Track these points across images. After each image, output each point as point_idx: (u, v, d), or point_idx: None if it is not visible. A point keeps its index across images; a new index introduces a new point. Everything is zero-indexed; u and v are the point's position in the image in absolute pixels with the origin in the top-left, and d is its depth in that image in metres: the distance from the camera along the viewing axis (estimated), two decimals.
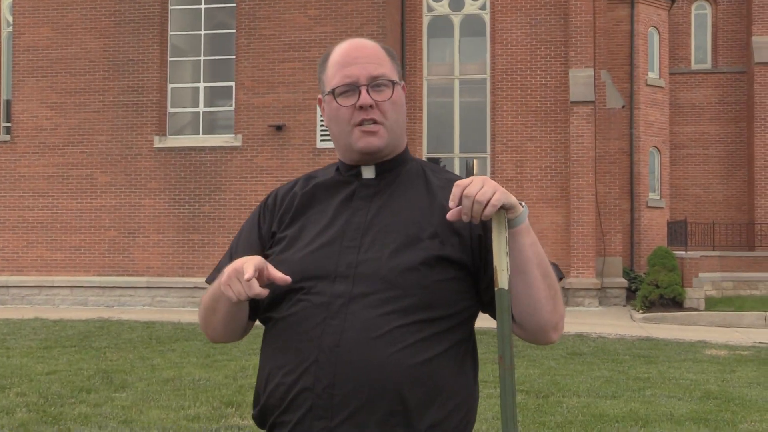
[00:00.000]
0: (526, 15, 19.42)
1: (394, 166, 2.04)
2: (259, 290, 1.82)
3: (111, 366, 9.76)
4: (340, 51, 2.02)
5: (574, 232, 18.60)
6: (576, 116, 18.70)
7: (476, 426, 6.86)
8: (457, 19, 20.03)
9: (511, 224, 1.87)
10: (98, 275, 18.35)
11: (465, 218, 1.80)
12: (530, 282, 1.90)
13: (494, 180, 1.92)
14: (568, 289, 18.53)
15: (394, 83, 2.00)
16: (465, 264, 1.94)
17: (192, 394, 8.04)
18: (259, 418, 1.98)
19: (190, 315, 15.48)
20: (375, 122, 1.97)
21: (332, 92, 1.99)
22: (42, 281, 18.51)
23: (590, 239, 18.58)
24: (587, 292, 18.44)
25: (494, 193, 1.79)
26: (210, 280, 2.10)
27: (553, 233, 18.95)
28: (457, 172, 19.95)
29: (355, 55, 1.99)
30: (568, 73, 18.99)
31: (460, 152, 19.92)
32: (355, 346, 1.82)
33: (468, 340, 1.99)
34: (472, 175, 20.07)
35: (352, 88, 1.97)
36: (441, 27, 20.21)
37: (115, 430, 6.72)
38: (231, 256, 2.08)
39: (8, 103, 20.43)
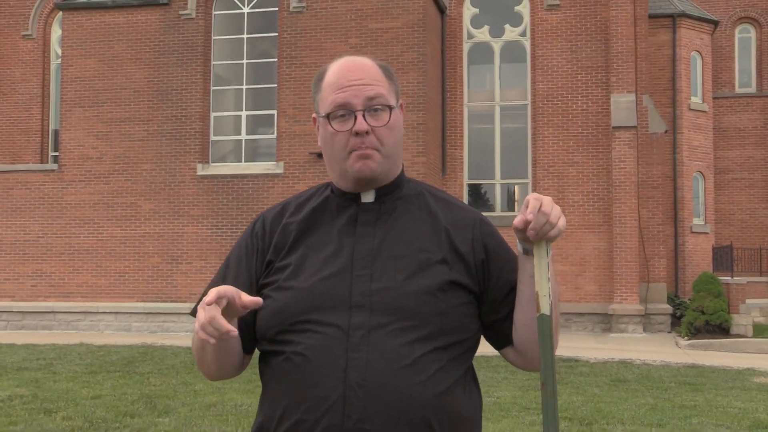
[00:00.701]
0: (567, 41, 19.40)
1: (392, 189, 1.99)
2: (227, 328, 1.73)
3: (154, 391, 9.84)
4: (334, 71, 1.95)
5: (617, 258, 18.41)
6: (618, 141, 18.58)
7: None
8: (497, 45, 20.06)
9: (526, 250, 1.90)
10: (142, 301, 18.55)
11: (532, 233, 1.82)
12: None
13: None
14: (611, 315, 18.31)
15: (390, 108, 1.93)
16: (472, 289, 1.92)
17: (234, 420, 8.07)
18: None
19: None
20: (370, 148, 1.91)
21: (327, 116, 1.93)
22: (87, 307, 18.75)
23: (634, 265, 18.37)
24: (631, 318, 18.21)
25: (561, 218, 1.83)
26: (194, 313, 1.99)
27: (596, 259, 18.77)
28: (498, 199, 19.91)
29: (350, 77, 1.92)
30: (609, 99, 18.89)
31: (502, 179, 19.87)
32: (384, 379, 1.78)
33: (471, 364, 1.99)
34: (514, 201, 20.06)
35: (347, 112, 1.90)
36: (481, 54, 20.26)
37: None
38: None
39: (56, 132, 20.87)
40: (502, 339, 2.01)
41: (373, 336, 1.81)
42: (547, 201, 1.82)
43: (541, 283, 1.85)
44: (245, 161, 19.07)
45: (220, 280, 2.01)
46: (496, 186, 19.91)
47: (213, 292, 1.76)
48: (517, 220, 1.83)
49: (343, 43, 18.15)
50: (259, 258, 1.98)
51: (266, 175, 18.40)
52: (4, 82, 22.18)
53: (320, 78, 1.98)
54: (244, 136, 19.22)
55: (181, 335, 17.63)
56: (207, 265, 18.32)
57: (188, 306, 18.19)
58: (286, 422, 1.83)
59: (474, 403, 1.94)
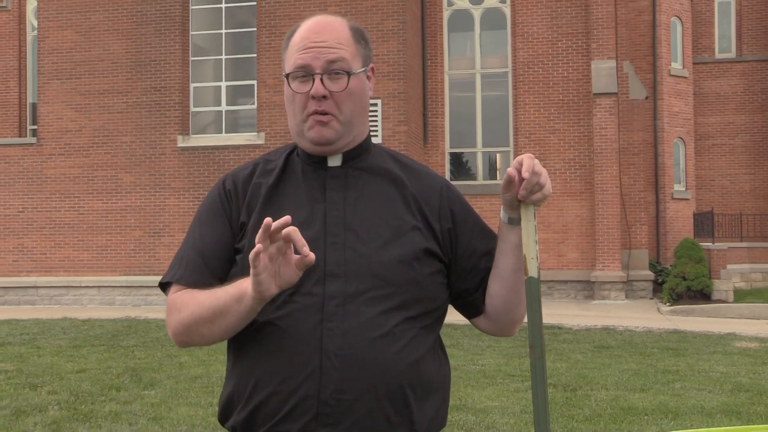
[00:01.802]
0: (547, 7, 19.33)
1: (359, 153, 1.95)
2: (311, 255, 1.63)
3: (139, 364, 9.84)
4: (301, 31, 1.91)
5: (599, 225, 18.50)
6: (599, 108, 18.59)
7: (504, 419, 6.85)
8: (477, 12, 19.96)
9: (512, 220, 1.90)
10: (125, 275, 18.49)
11: (523, 193, 1.82)
12: (521, 279, 1.90)
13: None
14: (593, 282, 18.43)
15: (349, 73, 1.87)
16: (442, 258, 1.91)
17: (220, 391, 8.06)
18: (243, 428, 1.84)
19: None
20: (327, 113, 1.87)
21: (287, 76, 1.89)
22: (70, 281, 18.67)
23: (615, 232, 18.47)
24: (613, 285, 18.34)
25: (548, 182, 1.84)
26: (165, 281, 1.94)
27: (578, 226, 18.85)
28: (480, 167, 19.91)
29: (315, 38, 1.87)
30: (590, 65, 18.87)
31: (483, 147, 19.86)
32: (360, 349, 1.76)
33: (438, 333, 1.98)
34: (496, 170, 20.08)
35: (307, 74, 1.86)
36: (461, 21, 20.16)
37: (145, 426, 6.77)
38: (198, 251, 1.91)
39: (34, 105, 20.65)
40: (472, 309, 2.01)
41: (349, 305, 1.78)
42: (538, 162, 1.83)
43: (528, 245, 1.84)
44: (226, 132, 18.95)
45: (197, 240, 1.93)
46: (477, 154, 19.91)
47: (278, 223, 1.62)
48: (510, 170, 1.82)
49: (322, 11, 17.93)
50: (234, 216, 1.92)
51: (247, 146, 18.30)
52: None
53: (290, 36, 1.95)
54: (224, 107, 19.09)
55: (164, 308, 17.59)
56: None
57: None
58: (259, 394, 1.80)
59: (444, 372, 1.94)
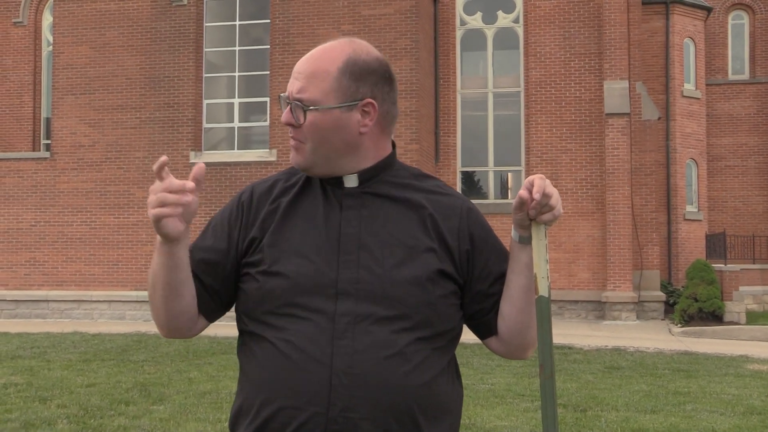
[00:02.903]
0: (560, 27, 19.37)
1: (375, 173, 1.93)
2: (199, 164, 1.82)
3: (149, 379, 9.83)
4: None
5: (611, 246, 18.44)
6: (611, 128, 18.58)
7: None
8: (490, 32, 20.02)
9: (523, 239, 1.90)
10: (135, 290, 18.52)
11: (533, 213, 1.84)
12: (531, 298, 1.90)
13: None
14: (604, 302, 18.35)
15: (305, 109, 1.86)
16: (457, 279, 1.90)
17: (229, 407, 8.06)
18: None
19: (227, 329, 15.52)
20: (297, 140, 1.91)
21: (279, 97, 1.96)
22: (81, 295, 18.71)
23: (627, 252, 18.41)
24: (624, 305, 18.26)
25: (559, 203, 1.86)
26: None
27: (589, 246, 18.80)
28: (492, 186, 19.91)
29: (299, 66, 1.91)
30: (602, 86, 18.89)
31: (495, 166, 19.86)
32: (370, 368, 1.76)
33: (454, 355, 1.97)
34: (507, 189, 20.07)
35: (284, 100, 1.92)
36: (474, 40, 20.22)
37: None
38: (218, 248, 1.97)
39: (48, 120, 20.78)
40: (485, 330, 2.00)
41: (360, 324, 1.79)
42: (550, 183, 1.85)
43: (539, 264, 1.85)
44: (238, 149, 19.03)
45: (198, 241, 1.99)
46: (489, 173, 19.91)
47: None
48: (522, 192, 1.83)
49: (336, 29, 18.09)
50: (243, 231, 1.94)
51: (259, 163, 18.36)
52: None
53: None
54: (236, 124, 19.17)
55: None
56: None
57: None
58: (267, 408, 1.81)
59: (457, 395, 1.93)
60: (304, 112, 1.88)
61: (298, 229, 1.88)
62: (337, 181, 1.92)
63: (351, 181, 1.91)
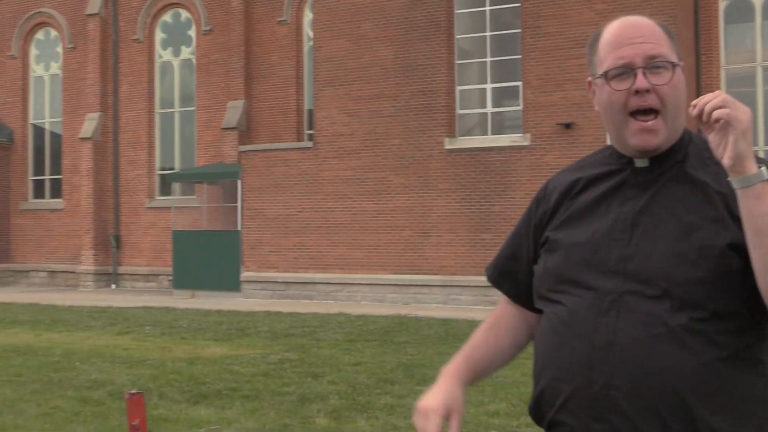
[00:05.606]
0: None
1: (669, 154, 1.86)
2: None
3: (411, 360, 10.16)
4: (612, 30, 1.87)
5: None
6: None
7: None
8: (758, 1, 18.68)
9: (735, 182, 1.67)
10: (394, 273, 19.17)
11: (704, 118, 1.67)
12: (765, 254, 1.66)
13: None
14: None
15: (674, 65, 1.82)
16: (745, 251, 1.70)
17: (491, 390, 8.17)
18: (535, 413, 1.91)
19: (484, 313, 15.70)
20: (652, 110, 1.80)
21: (604, 75, 1.84)
22: (344, 278, 19.67)
23: None
24: None
25: (710, 102, 1.66)
26: (488, 275, 2.14)
27: None
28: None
29: (630, 34, 1.83)
30: None
31: (765, 145, 18.56)
32: (631, 346, 1.72)
33: (764, 340, 1.78)
34: None
35: (626, 70, 1.81)
36: (740, 11, 18.95)
37: None
38: (503, 254, 2.10)
39: (310, 112, 21.98)
40: None
41: (624, 302, 1.76)
42: (711, 96, 1.68)
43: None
44: (491, 134, 19.11)
45: (507, 244, 2.10)
46: (758, 153, 18.61)
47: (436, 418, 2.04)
48: (697, 107, 1.68)
49: (589, 9, 17.63)
50: (535, 226, 2.00)
51: (513, 147, 18.34)
52: (263, 65, 23.62)
53: (595, 39, 1.91)
54: (489, 109, 19.26)
55: (432, 306, 18.05)
56: (456, 238, 18.60)
57: (439, 278, 18.59)
58: (543, 379, 1.87)
59: (757, 386, 1.76)
60: (674, 67, 1.84)
61: (582, 207, 1.91)
62: (629, 160, 1.88)
63: (642, 162, 1.87)
